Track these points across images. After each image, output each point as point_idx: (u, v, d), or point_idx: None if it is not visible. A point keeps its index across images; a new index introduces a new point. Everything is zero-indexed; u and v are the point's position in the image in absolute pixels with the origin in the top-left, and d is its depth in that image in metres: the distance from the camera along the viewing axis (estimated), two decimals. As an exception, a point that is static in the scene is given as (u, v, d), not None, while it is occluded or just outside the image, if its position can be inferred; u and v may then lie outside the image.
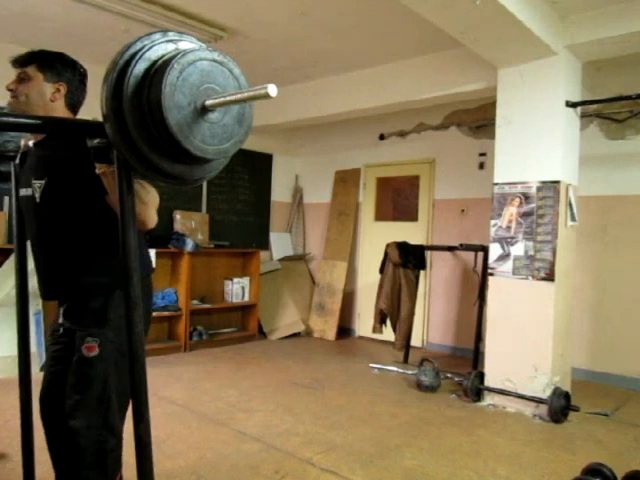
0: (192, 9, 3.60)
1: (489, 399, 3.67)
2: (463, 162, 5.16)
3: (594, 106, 4.15)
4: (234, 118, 1.21)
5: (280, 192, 6.49)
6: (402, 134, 5.61)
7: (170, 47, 1.20)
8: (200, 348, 5.05)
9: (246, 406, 3.39)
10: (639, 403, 3.79)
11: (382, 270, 4.74)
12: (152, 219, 1.58)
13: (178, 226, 5.22)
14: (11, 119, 1.19)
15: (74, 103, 1.77)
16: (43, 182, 1.64)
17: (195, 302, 5.16)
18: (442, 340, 5.31)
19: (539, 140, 3.48)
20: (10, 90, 1.69)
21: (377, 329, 4.65)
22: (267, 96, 1.07)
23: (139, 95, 1.13)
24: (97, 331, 1.66)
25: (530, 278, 3.49)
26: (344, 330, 5.97)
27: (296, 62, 4.61)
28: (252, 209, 6.11)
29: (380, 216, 5.95)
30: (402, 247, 4.64)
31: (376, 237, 5.75)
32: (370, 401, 3.63)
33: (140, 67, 1.14)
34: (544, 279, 3.43)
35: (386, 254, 4.73)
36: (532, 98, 3.52)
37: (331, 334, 5.76)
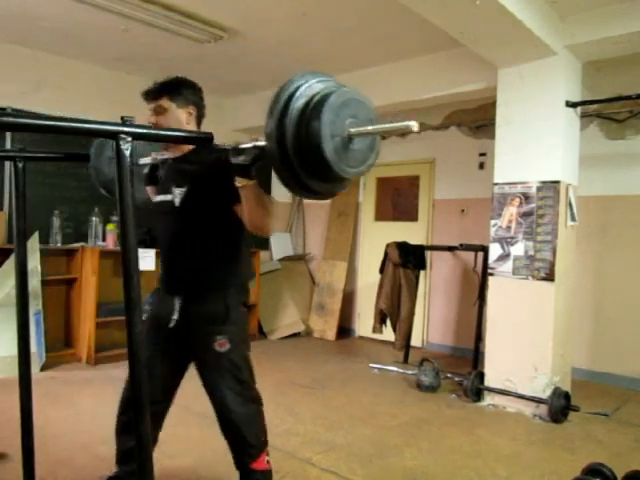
0: (192, 9, 3.59)
1: (489, 399, 3.66)
2: (463, 162, 5.16)
3: (594, 106, 4.15)
4: (368, 145, 1.48)
5: (280, 192, 6.48)
6: (402, 134, 5.61)
7: (320, 86, 1.46)
8: (200, 348, 5.04)
9: (246, 406, 3.39)
10: (639, 403, 3.79)
11: (382, 270, 4.74)
12: (273, 229, 1.98)
13: (178, 226, 5.21)
14: (10, 119, 1.19)
15: (200, 119, 2.06)
16: (184, 190, 1.94)
17: (195, 302, 5.15)
18: (442, 340, 5.31)
19: (539, 140, 3.48)
20: (153, 124, 1.97)
21: (377, 329, 4.65)
22: (409, 129, 1.31)
23: (299, 127, 1.38)
24: (224, 329, 1.93)
25: (530, 278, 3.49)
26: (344, 330, 5.97)
27: (296, 62, 4.61)
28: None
29: (380, 216, 5.95)
30: (402, 247, 4.64)
31: (376, 237, 5.75)
32: (370, 401, 3.63)
33: (299, 103, 1.40)
34: (544, 279, 3.43)
35: (386, 254, 4.73)
36: (532, 98, 3.52)
37: (331, 334, 5.76)
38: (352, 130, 1.40)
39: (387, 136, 5.10)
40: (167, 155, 2.07)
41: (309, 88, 1.43)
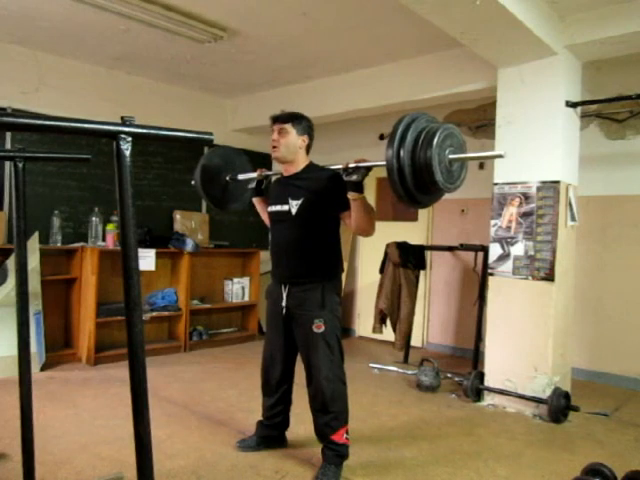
0: (192, 9, 3.60)
1: (489, 399, 3.67)
2: (463, 162, 5.15)
3: (594, 106, 4.15)
4: (460, 166, 2.01)
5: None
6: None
7: (425, 124, 1.92)
8: (200, 348, 5.05)
9: (246, 406, 3.39)
10: (639, 403, 3.79)
11: (382, 270, 4.74)
12: (374, 231, 2.36)
13: (178, 226, 5.22)
14: (10, 119, 1.19)
15: (309, 148, 2.54)
16: (299, 201, 2.38)
17: (195, 302, 5.16)
18: (442, 340, 5.31)
19: (539, 140, 3.48)
20: (275, 140, 2.43)
21: (377, 329, 4.65)
22: (500, 157, 1.89)
23: (413, 154, 1.86)
24: (320, 314, 2.36)
25: (530, 278, 3.49)
26: (344, 330, 5.96)
27: (296, 62, 4.61)
28: (252, 209, 6.09)
29: (380, 216, 5.94)
30: (402, 247, 4.64)
31: (376, 237, 5.72)
32: (370, 401, 3.63)
33: (411, 137, 1.87)
34: (544, 279, 3.43)
35: (386, 254, 4.73)
36: (532, 98, 3.52)
37: (331, 334, 5.75)
38: (452, 157, 1.88)
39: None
40: (271, 172, 2.66)
41: (418, 125, 1.87)
